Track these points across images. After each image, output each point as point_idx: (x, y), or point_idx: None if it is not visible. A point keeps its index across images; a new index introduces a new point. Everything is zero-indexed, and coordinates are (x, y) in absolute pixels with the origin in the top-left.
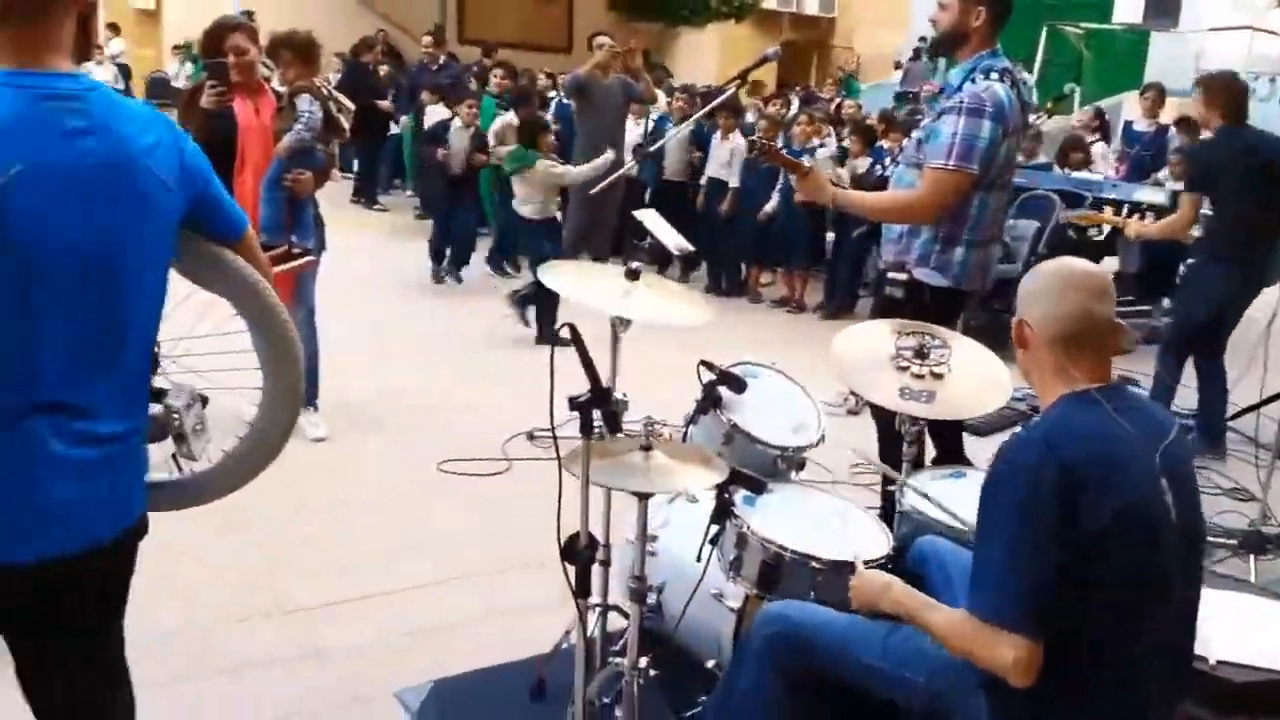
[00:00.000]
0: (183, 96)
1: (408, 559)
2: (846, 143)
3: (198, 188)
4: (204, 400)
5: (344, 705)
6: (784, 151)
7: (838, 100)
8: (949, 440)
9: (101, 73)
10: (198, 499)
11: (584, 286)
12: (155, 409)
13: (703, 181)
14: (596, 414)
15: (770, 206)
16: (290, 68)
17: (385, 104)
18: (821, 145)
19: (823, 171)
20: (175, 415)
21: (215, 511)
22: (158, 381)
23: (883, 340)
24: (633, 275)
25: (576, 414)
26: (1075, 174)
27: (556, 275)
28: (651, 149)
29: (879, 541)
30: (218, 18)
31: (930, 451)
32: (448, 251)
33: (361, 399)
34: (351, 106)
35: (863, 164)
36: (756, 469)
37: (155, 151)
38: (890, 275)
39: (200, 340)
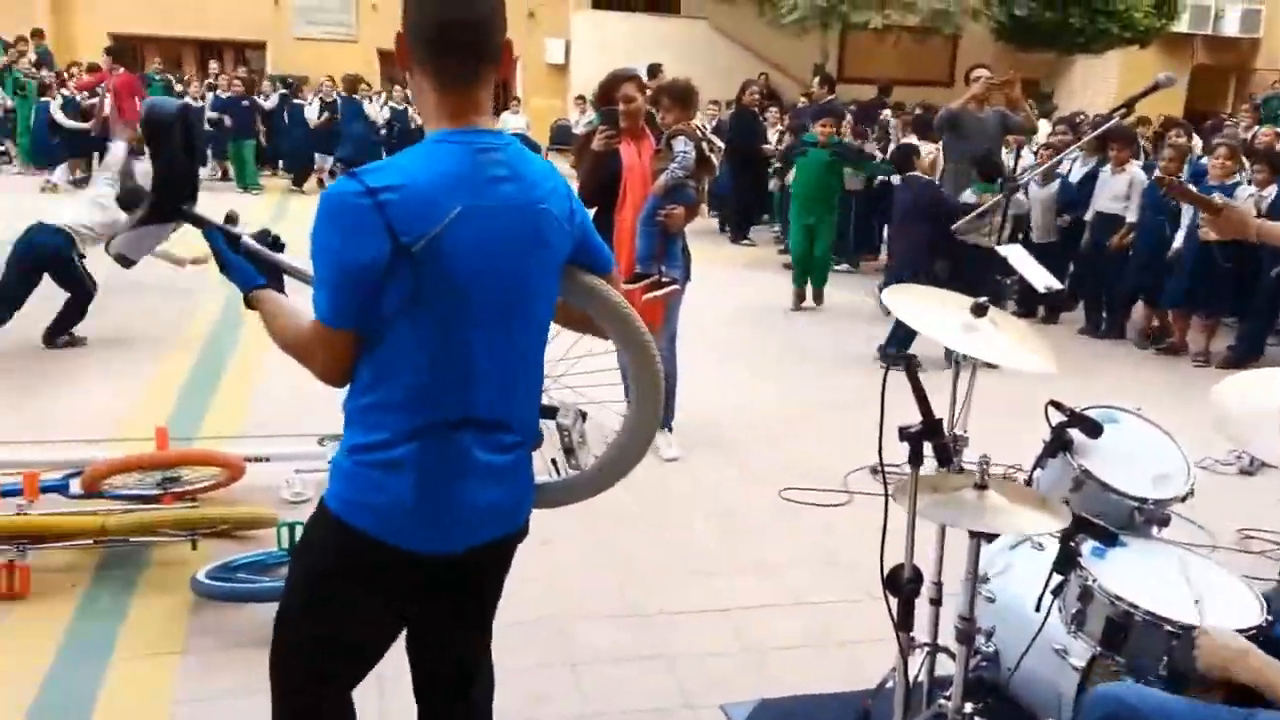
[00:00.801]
0: (578, 140)
1: (746, 579)
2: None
3: (579, 228)
4: (584, 415)
5: (672, 710)
6: (1194, 188)
7: (1254, 129)
8: None
9: (515, 121)
10: (567, 500)
11: (926, 316)
12: (548, 424)
13: (1087, 218)
14: (928, 447)
15: (1177, 243)
16: (669, 112)
17: (767, 147)
18: (1239, 183)
19: (1239, 206)
20: (566, 432)
21: (575, 517)
22: (546, 399)
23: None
24: (979, 310)
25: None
26: None
27: (900, 299)
28: (1021, 182)
29: (1249, 610)
30: (613, 70)
31: None
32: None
33: (715, 422)
34: (722, 145)
35: (1270, 193)
36: (1110, 520)
37: (552, 196)
38: None
39: (572, 360)
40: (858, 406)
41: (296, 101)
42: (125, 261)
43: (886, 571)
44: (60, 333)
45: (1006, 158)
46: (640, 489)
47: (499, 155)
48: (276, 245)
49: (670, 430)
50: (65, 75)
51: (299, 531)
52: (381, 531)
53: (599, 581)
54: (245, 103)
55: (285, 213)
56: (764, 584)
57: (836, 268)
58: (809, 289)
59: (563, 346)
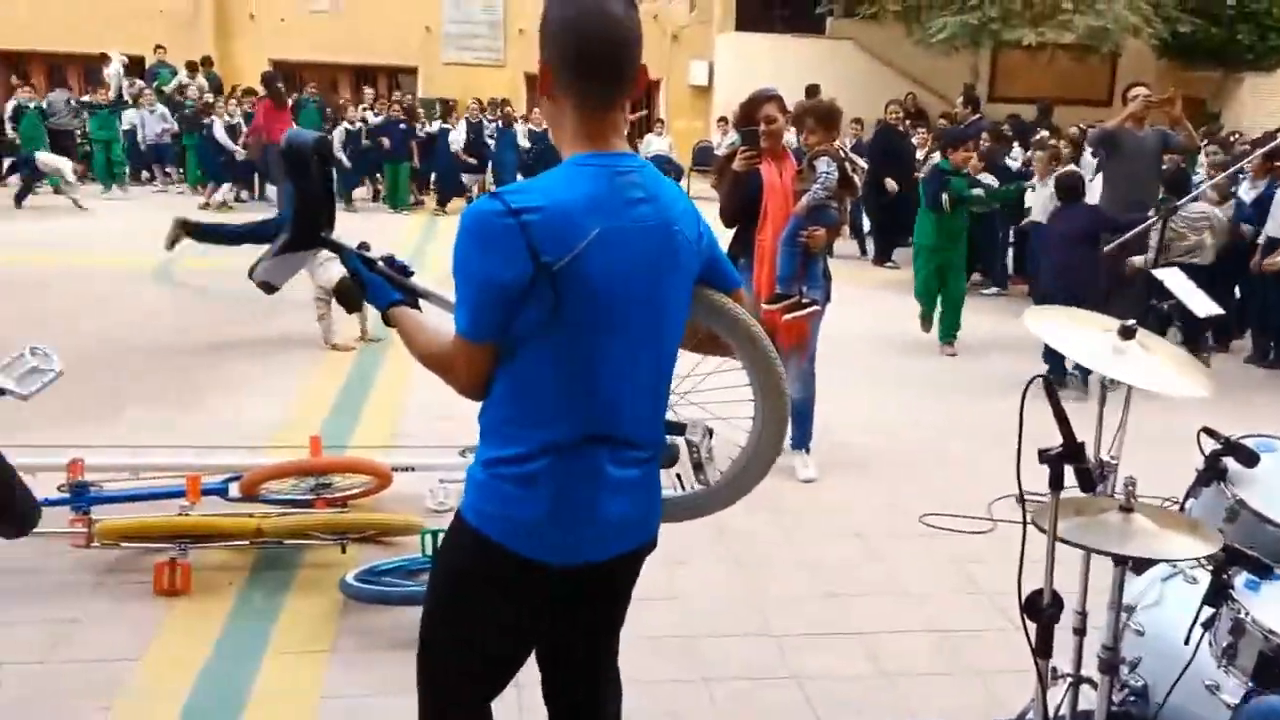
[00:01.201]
0: (718, 161)
1: (882, 602)
2: None
3: (708, 249)
4: (711, 432)
5: None
6: None
7: None
8: None
9: (659, 143)
10: (693, 515)
11: (1071, 338)
12: (678, 440)
13: (1260, 240)
14: (1070, 471)
15: None
16: (813, 133)
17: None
18: None
19: None
20: (694, 448)
21: (711, 536)
22: (672, 415)
23: None
24: (1127, 333)
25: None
26: None
27: (1043, 319)
28: (1179, 203)
29: None
30: (755, 90)
31: None
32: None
33: (854, 445)
34: (865, 165)
35: None
36: (1265, 552)
37: (684, 217)
38: None
39: (699, 377)
40: (1008, 433)
41: (444, 125)
42: (268, 288)
43: (1024, 596)
44: None
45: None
46: (776, 510)
47: (635, 177)
48: (405, 271)
49: (808, 452)
50: (229, 99)
51: (439, 538)
52: (513, 542)
53: (733, 600)
54: (402, 126)
55: (433, 234)
56: (900, 608)
57: (984, 291)
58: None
59: (690, 362)
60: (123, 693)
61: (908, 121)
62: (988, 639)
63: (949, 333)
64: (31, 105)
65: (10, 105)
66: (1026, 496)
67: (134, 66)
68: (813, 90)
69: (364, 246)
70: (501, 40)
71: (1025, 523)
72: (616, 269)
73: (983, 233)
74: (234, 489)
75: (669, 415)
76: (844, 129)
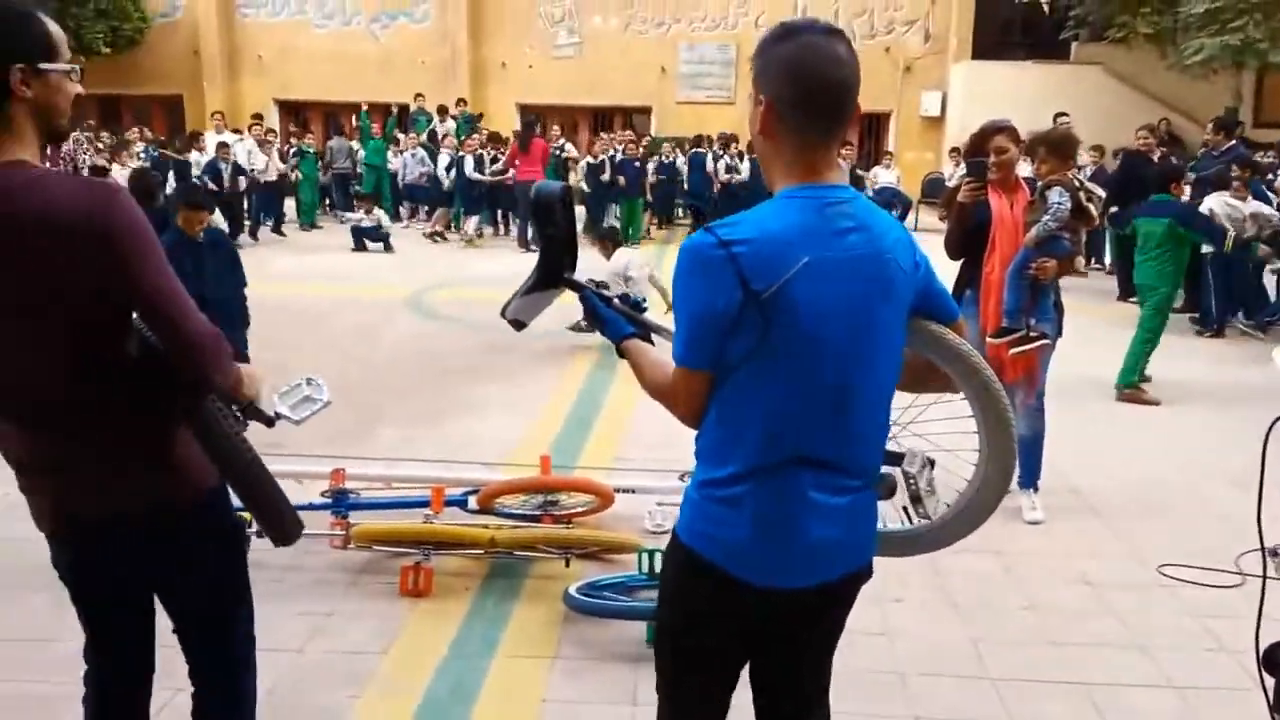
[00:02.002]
0: (946, 193)
1: (1110, 653)
2: None
3: (924, 278)
4: (932, 463)
5: None
6: None
7: None
8: None
9: (886, 176)
10: (912, 550)
11: None
12: (894, 471)
13: None
14: None
15: None
16: (1044, 162)
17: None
18: None
19: None
20: (912, 480)
21: (930, 575)
22: (892, 445)
23: None
24: None
25: None
26: None
27: None
28: None
29: None
30: (985, 122)
31: None
32: None
33: (1086, 487)
34: (1102, 194)
35: None
36: None
37: (897, 246)
38: None
39: (922, 407)
40: (1248, 480)
41: (664, 160)
42: (518, 325)
43: (1264, 649)
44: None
45: None
46: (998, 551)
47: (846, 208)
48: (638, 307)
49: (1035, 491)
50: (479, 138)
51: (658, 559)
52: (724, 561)
53: (947, 640)
54: (636, 164)
55: (660, 263)
56: (1130, 661)
57: (1245, 324)
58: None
59: (909, 394)
60: (370, 682)
61: (1161, 149)
62: (1230, 699)
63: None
64: (310, 150)
65: (291, 150)
66: (1263, 546)
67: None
68: (1060, 118)
69: (602, 285)
70: (733, 78)
71: (1265, 576)
72: (825, 297)
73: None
74: (472, 501)
75: (890, 445)
76: (1082, 157)
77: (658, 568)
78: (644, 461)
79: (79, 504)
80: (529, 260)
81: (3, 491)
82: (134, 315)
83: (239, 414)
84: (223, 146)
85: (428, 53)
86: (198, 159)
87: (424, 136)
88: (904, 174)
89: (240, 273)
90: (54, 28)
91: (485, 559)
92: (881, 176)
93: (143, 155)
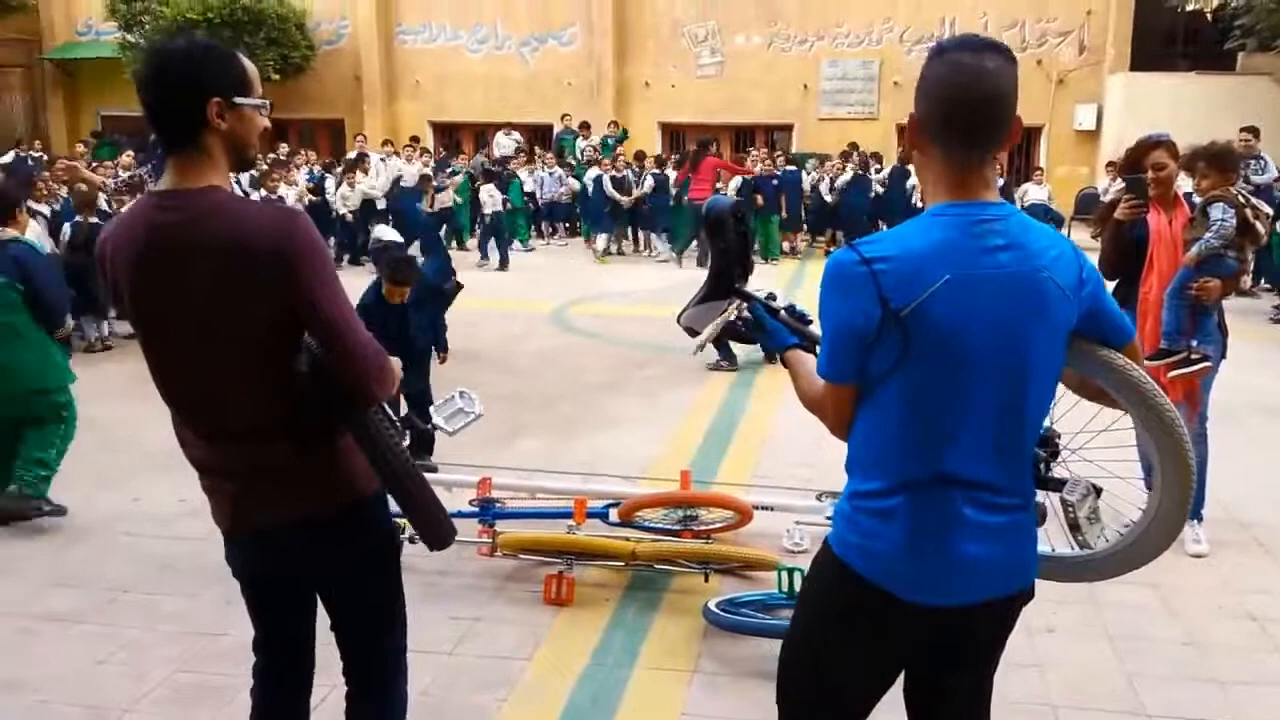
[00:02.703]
0: (1100, 209)
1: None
2: None
3: (1091, 298)
4: (1098, 491)
5: None
6: None
7: None
8: None
9: (1037, 192)
10: (1075, 578)
11: None
12: (1053, 497)
13: None
14: None
15: None
16: (1205, 177)
17: None
18: None
19: None
20: (1070, 507)
21: (1085, 607)
22: (1058, 471)
23: None
24: None
25: None
26: None
27: None
28: None
29: None
30: (1143, 136)
31: None
32: None
33: (1253, 519)
34: (1269, 211)
35: None
36: None
37: (1057, 263)
38: None
39: (1092, 433)
40: None
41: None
42: (692, 333)
43: None
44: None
45: None
46: (1156, 582)
47: (998, 226)
48: (804, 319)
49: (1199, 521)
50: (616, 157)
51: (797, 577)
52: (874, 575)
53: (1102, 674)
54: (774, 181)
55: (800, 280)
56: None
57: None
58: None
59: (1083, 417)
60: (515, 687)
61: None
62: None
63: None
64: (463, 170)
65: (449, 171)
66: None
67: (542, 134)
68: (1244, 134)
69: (771, 296)
70: (876, 94)
71: None
72: (967, 314)
73: None
74: (614, 514)
75: (1059, 471)
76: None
77: (798, 587)
78: (783, 479)
79: (254, 509)
80: (660, 274)
81: (180, 497)
82: (304, 333)
83: (398, 424)
84: (424, 179)
85: (574, 74)
86: (367, 182)
87: (569, 155)
88: (1055, 190)
89: (441, 324)
90: (249, 65)
91: (625, 571)
92: (1032, 193)
93: (308, 177)
